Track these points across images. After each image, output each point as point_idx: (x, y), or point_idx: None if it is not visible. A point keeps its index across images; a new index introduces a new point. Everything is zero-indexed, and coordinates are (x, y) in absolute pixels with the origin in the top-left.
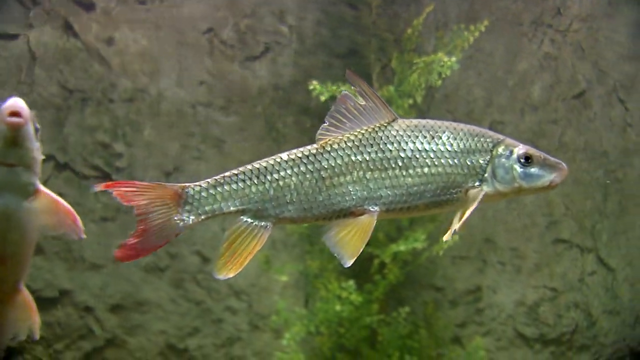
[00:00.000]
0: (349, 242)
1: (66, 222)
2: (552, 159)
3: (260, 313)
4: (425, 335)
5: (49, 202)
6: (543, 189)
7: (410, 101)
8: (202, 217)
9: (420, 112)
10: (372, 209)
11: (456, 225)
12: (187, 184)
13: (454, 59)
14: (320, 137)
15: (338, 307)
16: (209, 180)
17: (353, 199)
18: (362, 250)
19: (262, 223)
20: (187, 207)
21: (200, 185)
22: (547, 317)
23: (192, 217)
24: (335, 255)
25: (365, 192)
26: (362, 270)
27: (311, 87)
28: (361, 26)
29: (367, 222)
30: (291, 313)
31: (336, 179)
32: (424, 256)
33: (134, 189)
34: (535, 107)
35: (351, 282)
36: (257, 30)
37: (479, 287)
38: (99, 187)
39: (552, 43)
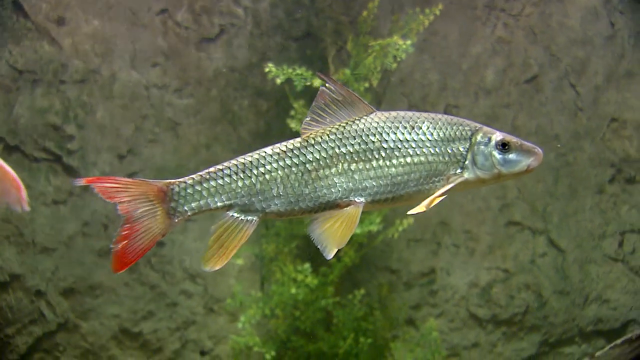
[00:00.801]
0: (335, 233)
1: (11, 191)
2: (528, 144)
3: (216, 296)
4: (379, 317)
5: None
6: (521, 174)
7: (366, 84)
8: (189, 213)
9: (376, 95)
10: (357, 200)
11: (425, 202)
12: (172, 181)
13: (409, 42)
14: (303, 131)
15: (293, 290)
16: (193, 176)
17: (339, 191)
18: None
19: (249, 217)
20: (173, 204)
21: (185, 182)
22: (499, 298)
23: (177, 215)
24: (318, 247)
25: (350, 184)
26: (318, 253)
27: (267, 70)
28: (317, 9)
29: (353, 213)
30: (247, 296)
31: (321, 171)
32: (379, 239)
33: (117, 185)
34: (488, 91)
35: (307, 265)
36: (212, 11)
37: (433, 270)
38: (81, 181)
39: (505, 27)
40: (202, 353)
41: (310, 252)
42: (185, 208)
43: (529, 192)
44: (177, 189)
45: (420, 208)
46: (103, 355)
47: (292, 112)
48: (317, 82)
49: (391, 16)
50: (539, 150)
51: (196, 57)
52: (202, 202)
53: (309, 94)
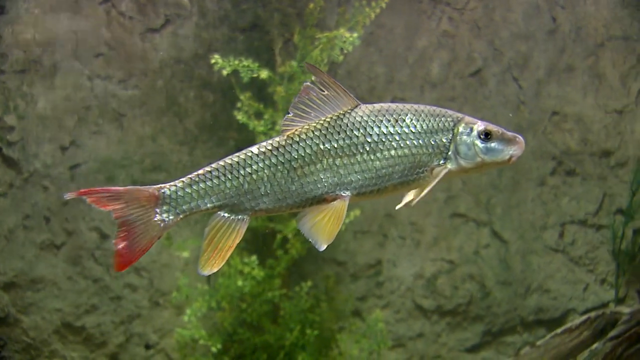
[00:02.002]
0: (324, 227)
1: None
2: (510, 133)
3: (161, 290)
4: (326, 308)
5: None
6: (503, 163)
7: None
8: (181, 215)
9: None
10: (343, 194)
11: (413, 197)
12: (162, 185)
13: (355, 34)
14: (284, 127)
15: (240, 283)
16: (183, 179)
17: (325, 185)
18: (266, 226)
19: (239, 216)
20: (165, 207)
21: (175, 185)
22: (444, 289)
23: (171, 217)
24: (310, 240)
25: (336, 179)
26: (265, 245)
27: (213, 61)
28: (264, 0)
29: (340, 207)
30: (193, 289)
31: (307, 168)
32: None
33: (109, 194)
34: (434, 84)
35: (254, 258)
36: (157, 2)
37: (380, 261)
38: (72, 194)
39: (450, 21)
40: (147, 347)
41: (257, 245)
42: (177, 211)
43: (474, 185)
44: (167, 192)
45: (403, 205)
46: (45, 349)
47: (239, 104)
48: (263, 74)
49: (338, 9)
50: (520, 138)
51: (141, 47)
52: (192, 204)
53: (256, 85)
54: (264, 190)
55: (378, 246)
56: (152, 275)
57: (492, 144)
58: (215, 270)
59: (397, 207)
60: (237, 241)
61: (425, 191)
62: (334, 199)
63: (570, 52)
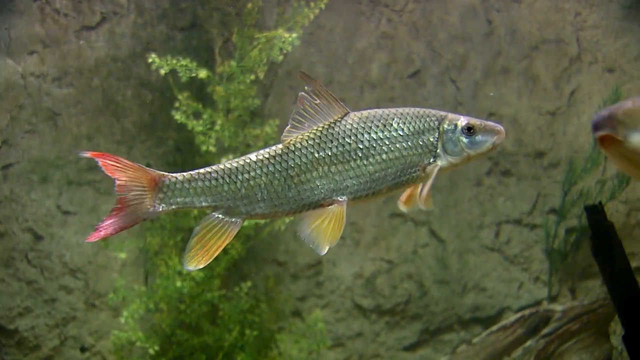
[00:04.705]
0: (324, 231)
1: None
2: (490, 123)
3: (98, 291)
4: (266, 309)
5: None
6: (487, 152)
7: (252, 77)
8: (173, 207)
9: (264, 88)
10: (340, 199)
11: (421, 200)
12: (165, 173)
13: (294, 35)
14: (284, 138)
15: (179, 284)
16: (184, 173)
17: (321, 192)
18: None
19: (233, 219)
20: (161, 195)
21: (176, 177)
22: (383, 288)
23: (162, 206)
24: (310, 245)
25: (332, 185)
26: None
27: (150, 60)
28: None
29: (338, 212)
30: (130, 290)
31: (303, 175)
32: (266, 231)
33: (118, 165)
34: (373, 85)
35: None
36: None
37: (320, 261)
38: (87, 153)
39: (389, 22)
40: (83, 349)
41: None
42: (171, 201)
43: None
44: (167, 182)
45: (408, 207)
46: None
47: (177, 104)
48: (202, 74)
49: (277, 9)
50: (500, 127)
51: (76, 45)
52: (187, 199)
53: (195, 85)
54: (261, 196)
55: None
56: (87, 276)
57: (476, 138)
58: (200, 267)
59: (403, 209)
60: (227, 242)
61: (426, 190)
62: (331, 204)
63: (505, 54)
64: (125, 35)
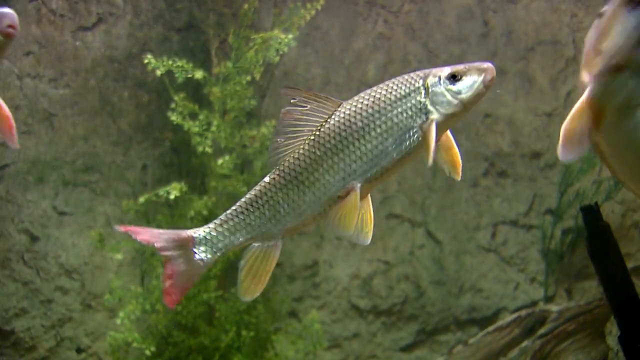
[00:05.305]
0: (349, 224)
1: (4, 127)
2: (475, 64)
3: (94, 292)
4: (262, 310)
5: None
6: (481, 93)
7: (249, 78)
8: (218, 253)
9: (260, 89)
10: (353, 185)
11: (425, 158)
12: (195, 230)
13: (290, 36)
14: (275, 155)
15: None
16: (215, 221)
17: (333, 185)
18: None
19: (271, 242)
20: (202, 248)
21: (208, 227)
22: (379, 289)
23: (209, 256)
24: (353, 241)
25: (340, 175)
26: None
27: (146, 61)
28: (199, 0)
29: (352, 199)
30: (126, 291)
31: (312, 176)
32: None
33: (152, 233)
34: (370, 85)
35: None
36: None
37: (317, 262)
38: (120, 228)
39: (386, 23)
40: (79, 350)
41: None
42: (214, 249)
43: (409, 186)
44: (202, 234)
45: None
46: None
47: (173, 105)
48: (198, 75)
49: (273, 10)
50: (487, 64)
51: (72, 46)
52: (226, 242)
53: (191, 86)
54: (284, 211)
55: (315, 247)
56: (84, 277)
57: (463, 83)
58: (256, 295)
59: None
60: (273, 265)
61: (428, 146)
62: (348, 193)
63: (501, 55)
64: (121, 36)
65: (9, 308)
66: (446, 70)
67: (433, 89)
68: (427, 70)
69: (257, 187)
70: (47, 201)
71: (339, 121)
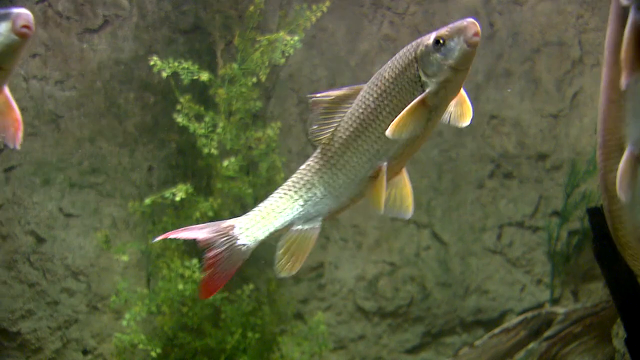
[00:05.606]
0: (380, 200)
1: (10, 129)
2: (455, 24)
3: (100, 294)
4: (268, 312)
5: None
6: (469, 51)
7: (254, 79)
8: (259, 239)
9: (266, 90)
10: (380, 165)
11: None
12: (235, 219)
13: (296, 37)
14: (316, 140)
15: (181, 286)
16: (255, 209)
17: (362, 167)
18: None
19: (310, 225)
20: (244, 235)
21: (245, 218)
22: (385, 290)
23: (251, 242)
24: (396, 217)
25: (366, 156)
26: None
27: (152, 63)
28: (205, 2)
29: (382, 177)
30: (132, 293)
31: (342, 159)
32: None
33: (190, 231)
34: None
35: (195, 261)
36: (95, 2)
37: (322, 264)
38: (157, 238)
39: (391, 25)
40: (85, 352)
41: (198, 248)
42: (254, 237)
43: (414, 187)
44: (242, 222)
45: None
46: None
47: (179, 107)
48: (204, 76)
49: (279, 11)
50: (467, 21)
51: (79, 48)
52: (267, 227)
53: (197, 88)
54: (321, 194)
55: (320, 249)
56: (90, 279)
57: (448, 46)
58: (293, 273)
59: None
60: (311, 247)
61: (406, 109)
62: (377, 174)
63: (507, 57)
64: (127, 38)
65: (15, 309)
66: (430, 37)
67: (423, 59)
68: (419, 39)
69: (295, 174)
70: (54, 203)
71: (357, 104)
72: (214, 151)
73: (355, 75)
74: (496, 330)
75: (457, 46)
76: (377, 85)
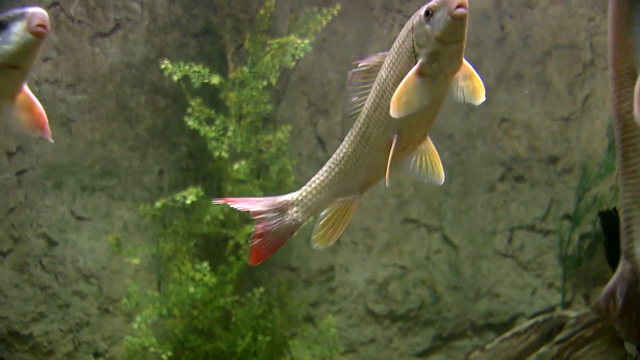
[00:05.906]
0: (391, 170)
1: (38, 122)
2: None
3: (111, 297)
4: (278, 315)
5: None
6: (453, 24)
7: (265, 83)
8: (308, 213)
9: (276, 94)
10: (392, 136)
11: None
12: (289, 195)
13: (307, 41)
14: (352, 113)
15: (192, 289)
16: (305, 185)
17: (380, 137)
18: (218, 232)
19: (350, 197)
20: (295, 209)
21: (297, 193)
22: (395, 294)
23: (301, 215)
24: (428, 182)
25: (382, 127)
26: (217, 251)
27: (163, 67)
28: (216, 5)
29: (393, 148)
30: (143, 296)
31: (368, 131)
32: None
33: (248, 202)
34: None
35: (205, 264)
36: (107, 5)
37: (332, 267)
38: (219, 200)
39: (402, 28)
40: (96, 355)
41: (209, 251)
42: (304, 209)
43: (425, 190)
44: (294, 197)
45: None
46: None
47: (190, 110)
48: (214, 80)
49: (289, 15)
50: None
51: (90, 52)
52: (315, 200)
53: (207, 91)
54: (355, 165)
55: (330, 252)
56: (101, 282)
57: (433, 19)
58: (329, 244)
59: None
60: (349, 219)
61: (402, 82)
62: (391, 143)
63: (518, 59)
64: (138, 41)
65: (27, 312)
66: (421, 10)
67: (416, 30)
68: (419, 10)
69: (337, 151)
70: (65, 206)
71: (377, 76)
72: (225, 154)
73: None
74: (507, 334)
75: (441, 18)
76: (388, 55)
